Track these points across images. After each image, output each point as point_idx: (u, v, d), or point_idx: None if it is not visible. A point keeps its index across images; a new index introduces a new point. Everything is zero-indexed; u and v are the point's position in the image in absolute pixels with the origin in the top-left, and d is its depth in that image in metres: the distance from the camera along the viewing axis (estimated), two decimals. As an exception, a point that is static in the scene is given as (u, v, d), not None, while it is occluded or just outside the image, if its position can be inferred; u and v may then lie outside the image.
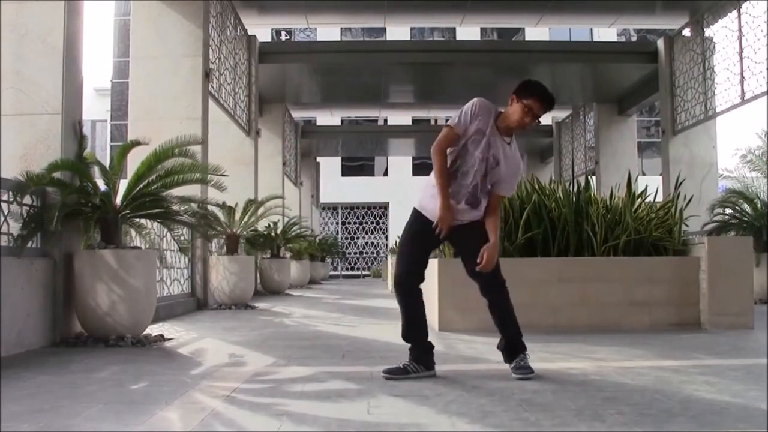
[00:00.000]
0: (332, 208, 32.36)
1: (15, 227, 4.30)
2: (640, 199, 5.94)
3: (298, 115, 17.84)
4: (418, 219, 3.33)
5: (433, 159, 3.23)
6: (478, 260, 3.19)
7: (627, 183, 5.95)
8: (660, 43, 12.21)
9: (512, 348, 3.31)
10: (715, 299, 5.32)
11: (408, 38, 28.23)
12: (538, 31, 23.67)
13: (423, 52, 14.02)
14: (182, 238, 6.07)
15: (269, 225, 10.81)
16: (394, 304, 8.11)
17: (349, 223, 32.91)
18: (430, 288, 5.92)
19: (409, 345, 3.34)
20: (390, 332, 5.23)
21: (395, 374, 3.19)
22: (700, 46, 11.22)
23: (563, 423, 2.33)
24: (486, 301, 3.37)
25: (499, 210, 3.49)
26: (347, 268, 31.58)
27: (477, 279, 3.31)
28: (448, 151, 3.23)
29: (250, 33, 11.68)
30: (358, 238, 32.48)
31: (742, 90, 9.94)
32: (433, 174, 3.24)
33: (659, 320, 5.39)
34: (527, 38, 27.12)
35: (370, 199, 31.75)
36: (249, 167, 11.49)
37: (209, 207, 6.26)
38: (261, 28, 14.03)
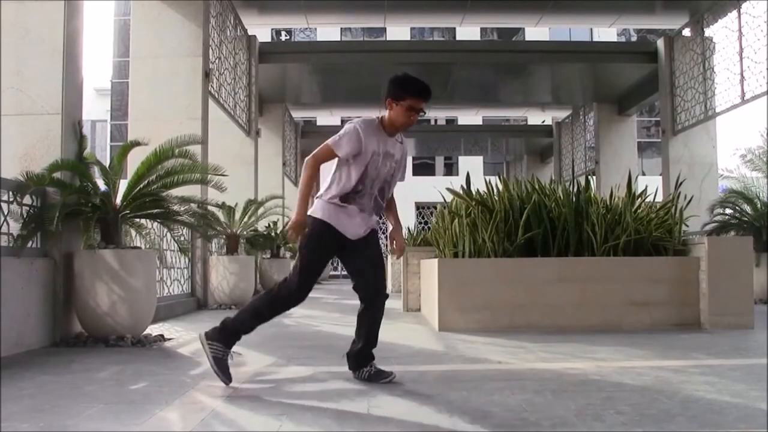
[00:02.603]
0: (332, 208, 32.27)
1: (15, 227, 4.30)
2: (640, 199, 5.93)
3: (298, 115, 17.83)
4: (327, 231, 3.13)
5: (305, 169, 3.15)
6: (394, 247, 3.26)
7: (627, 183, 5.94)
8: (660, 43, 12.21)
9: (365, 356, 3.18)
10: (715, 299, 5.32)
11: (408, 38, 28.20)
12: (538, 31, 23.63)
13: (423, 52, 14.03)
14: (182, 238, 6.07)
15: (269, 225, 10.81)
16: (394, 305, 8.13)
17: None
18: (430, 288, 5.93)
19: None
20: (389, 332, 5.23)
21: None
22: (700, 46, 11.22)
23: (563, 423, 2.33)
24: (363, 306, 3.20)
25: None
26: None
27: (365, 289, 3.18)
28: (354, 175, 3.12)
29: (250, 33, 11.68)
30: (358, 238, 32.40)
31: (742, 90, 9.94)
32: (303, 185, 3.15)
33: (659, 320, 5.39)
34: (527, 38, 27.09)
35: (370, 199, 31.70)
36: (249, 167, 11.50)
37: (209, 207, 6.26)
38: (261, 28, 14.02)
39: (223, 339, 3.12)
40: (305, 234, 3.11)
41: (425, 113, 3.20)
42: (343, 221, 3.11)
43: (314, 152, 3.19)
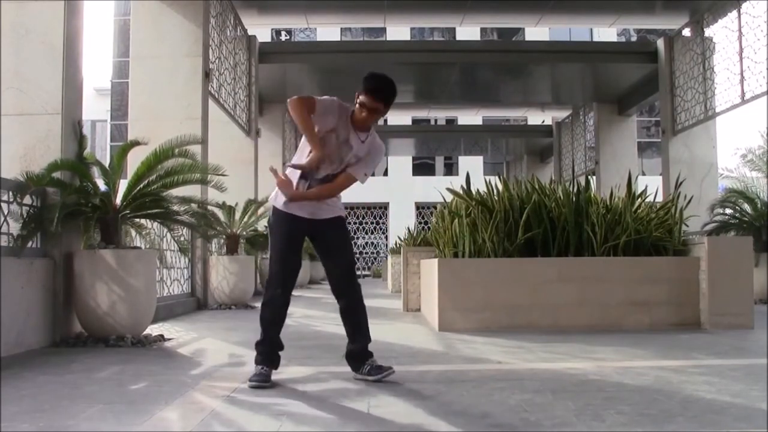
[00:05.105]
0: (332, 208, 32.31)
1: (15, 227, 4.30)
2: (640, 199, 5.93)
3: (298, 115, 17.80)
4: (284, 218, 3.16)
5: (294, 109, 3.08)
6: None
7: (627, 183, 5.94)
8: (660, 43, 12.21)
9: (360, 356, 3.17)
10: (715, 299, 5.32)
11: (408, 38, 28.21)
12: (538, 31, 23.65)
13: (423, 52, 14.02)
14: (182, 238, 6.07)
15: (269, 225, 10.80)
16: (394, 304, 8.11)
17: (349, 223, 32.87)
18: (430, 288, 5.93)
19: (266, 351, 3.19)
20: (389, 332, 5.24)
21: (263, 382, 3.04)
22: (700, 46, 11.21)
23: (563, 423, 2.33)
24: (341, 306, 3.26)
25: (340, 186, 3.21)
26: (347, 268, 31.48)
27: (331, 282, 3.26)
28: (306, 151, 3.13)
29: (250, 33, 11.68)
30: (358, 238, 32.43)
31: (742, 90, 9.94)
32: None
33: (659, 320, 5.39)
34: (527, 38, 27.11)
35: (369, 199, 31.70)
36: (249, 167, 11.49)
37: (209, 207, 6.26)
38: (261, 28, 14.02)
39: (257, 360, 3.16)
40: (269, 225, 3.21)
41: (384, 117, 3.15)
42: (297, 205, 3.13)
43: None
